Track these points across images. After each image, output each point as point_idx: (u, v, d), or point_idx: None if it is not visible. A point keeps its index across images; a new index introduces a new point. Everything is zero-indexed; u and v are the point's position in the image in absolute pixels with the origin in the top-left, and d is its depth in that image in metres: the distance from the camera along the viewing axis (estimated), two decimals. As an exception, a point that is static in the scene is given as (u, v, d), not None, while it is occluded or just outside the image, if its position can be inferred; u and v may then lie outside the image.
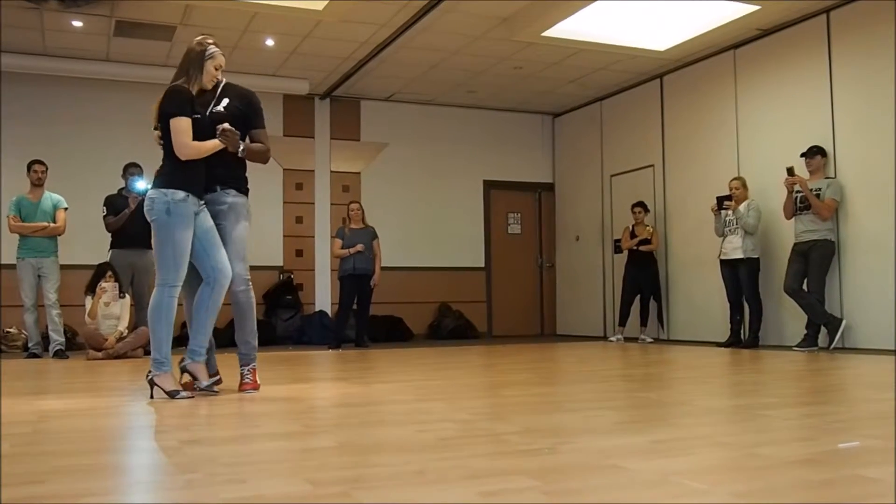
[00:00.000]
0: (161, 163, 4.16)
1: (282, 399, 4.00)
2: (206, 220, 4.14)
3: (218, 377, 4.34)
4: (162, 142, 4.13)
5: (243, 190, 4.39)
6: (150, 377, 4.01)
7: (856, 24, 7.52)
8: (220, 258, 4.11)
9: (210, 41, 4.27)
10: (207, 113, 4.24)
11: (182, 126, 4.03)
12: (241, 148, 4.21)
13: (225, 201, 4.28)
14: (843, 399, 4.13)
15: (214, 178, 4.23)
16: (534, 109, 11.65)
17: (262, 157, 4.46)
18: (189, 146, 4.04)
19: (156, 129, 4.15)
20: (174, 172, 4.05)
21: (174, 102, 4.08)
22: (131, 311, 7.87)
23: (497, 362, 6.77)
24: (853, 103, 7.52)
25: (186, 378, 4.17)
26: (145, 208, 4.08)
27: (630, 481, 2.08)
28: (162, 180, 4.06)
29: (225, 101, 4.32)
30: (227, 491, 2.00)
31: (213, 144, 4.10)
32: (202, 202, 4.15)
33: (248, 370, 4.32)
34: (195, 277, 4.16)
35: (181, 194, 3.99)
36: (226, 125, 4.13)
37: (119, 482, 2.28)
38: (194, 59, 4.19)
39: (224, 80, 4.43)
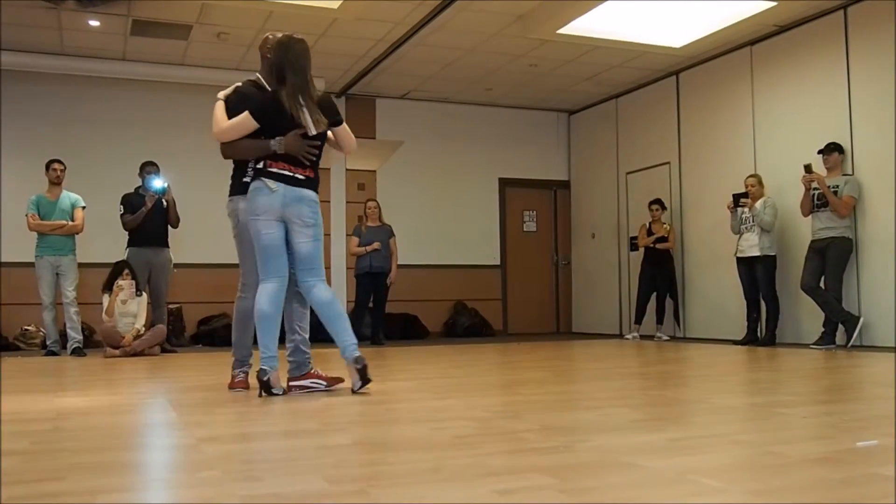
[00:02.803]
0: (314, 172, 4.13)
1: (298, 397, 4.00)
2: None
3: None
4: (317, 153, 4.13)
5: None
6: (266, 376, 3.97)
7: (873, 19, 7.46)
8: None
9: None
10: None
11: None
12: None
13: None
14: (861, 397, 4.10)
15: None
16: (549, 107, 11.63)
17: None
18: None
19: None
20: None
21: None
22: (148, 309, 7.91)
23: (513, 360, 6.76)
24: (871, 100, 7.46)
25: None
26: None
27: (646, 479, 2.07)
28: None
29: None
30: (243, 488, 2.01)
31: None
32: None
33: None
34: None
35: None
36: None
37: (136, 479, 2.30)
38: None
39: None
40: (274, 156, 4.01)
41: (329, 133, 4.17)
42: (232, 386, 4.30)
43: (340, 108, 10.63)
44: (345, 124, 4.22)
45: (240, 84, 4.36)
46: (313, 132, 4.01)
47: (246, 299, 4.29)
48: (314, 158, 4.08)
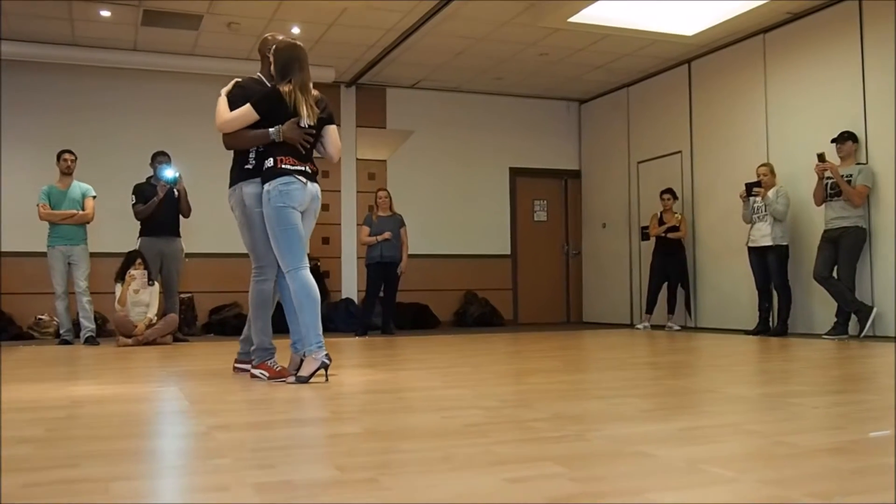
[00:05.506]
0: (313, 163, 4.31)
1: (309, 385, 4.02)
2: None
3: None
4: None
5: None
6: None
7: (888, 7, 7.39)
8: None
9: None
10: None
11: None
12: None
13: None
14: (874, 387, 4.08)
15: None
16: (560, 96, 11.59)
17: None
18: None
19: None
20: None
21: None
22: (160, 298, 7.94)
23: (523, 349, 6.76)
24: (885, 88, 7.40)
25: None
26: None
27: (657, 468, 2.07)
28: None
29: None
30: (255, 476, 2.02)
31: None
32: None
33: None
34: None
35: None
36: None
37: (149, 466, 2.31)
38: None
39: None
40: (276, 149, 4.15)
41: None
42: (275, 375, 4.27)
43: (350, 99, 10.80)
44: (335, 128, 4.41)
45: (240, 80, 4.53)
46: (306, 122, 4.19)
47: (267, 281, 4.40)
48: (309, 147, 4.24)
